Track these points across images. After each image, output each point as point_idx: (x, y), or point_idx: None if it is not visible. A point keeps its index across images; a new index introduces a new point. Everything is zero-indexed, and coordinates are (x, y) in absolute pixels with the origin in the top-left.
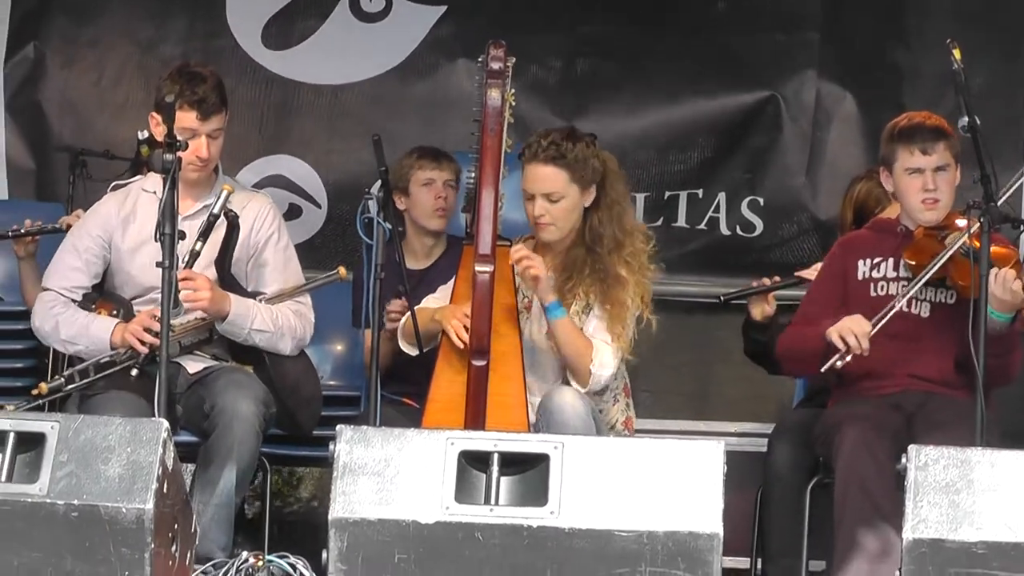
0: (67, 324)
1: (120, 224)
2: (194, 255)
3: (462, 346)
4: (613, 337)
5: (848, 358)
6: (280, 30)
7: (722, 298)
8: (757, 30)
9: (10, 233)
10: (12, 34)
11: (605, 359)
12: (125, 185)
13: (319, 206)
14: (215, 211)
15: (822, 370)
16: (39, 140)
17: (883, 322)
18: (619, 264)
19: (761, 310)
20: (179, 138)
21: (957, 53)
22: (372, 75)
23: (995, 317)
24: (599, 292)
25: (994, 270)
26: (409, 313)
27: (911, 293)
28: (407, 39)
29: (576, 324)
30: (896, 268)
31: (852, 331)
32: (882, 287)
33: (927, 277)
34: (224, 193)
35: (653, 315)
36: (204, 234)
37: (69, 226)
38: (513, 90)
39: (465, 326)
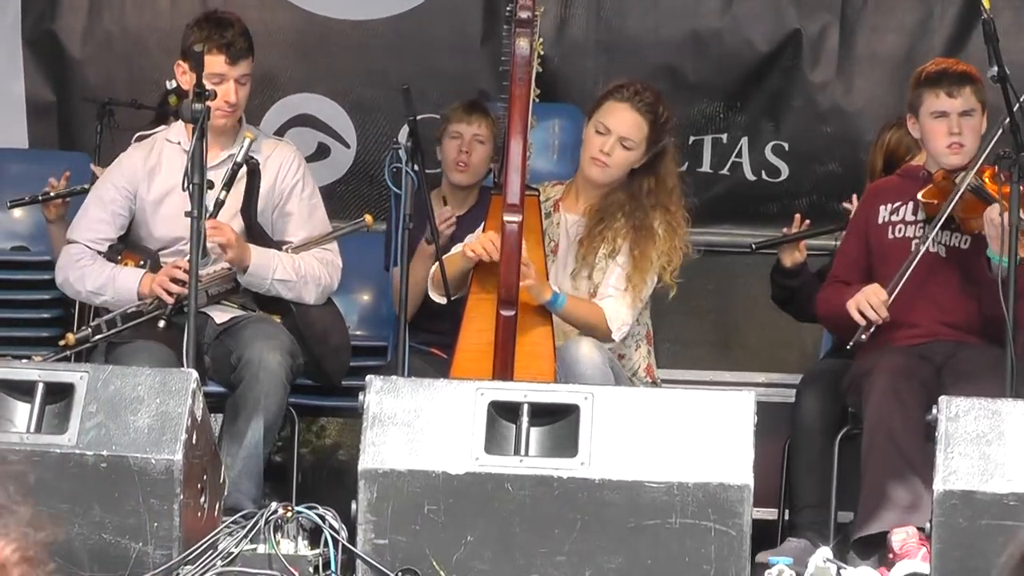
0: (94, 275)
1: (146, 176)
2: (218, 204)
3: (488, 257)
4: (629, 287)
5: (871, 330)
6: None
7: (753, 246)
8: None
9: (40, 197)
10: None
11: (620, 315)
12: (149, 136)
13: (348, 146)
14: (238, 159)
15: (849, 347)
16: (60, 76)
17: (904, 278)
18: (659, 222)
19: (792, 257)
20: (207, 84)
21: (986, 1)
22: (402, 10)
23: (995, 261)
24: (630, 237)
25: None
26: (438, 264)
27: (931, 236)
28: None
29: (597, 273)
30: (915, 212)
31: (868, 303)
32: (900, 230)
33: (943, 217)
34: (247, 141)
35: (675, 282)
36: (228, 183)
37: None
38: (541, 39)
39: (491, 241)
